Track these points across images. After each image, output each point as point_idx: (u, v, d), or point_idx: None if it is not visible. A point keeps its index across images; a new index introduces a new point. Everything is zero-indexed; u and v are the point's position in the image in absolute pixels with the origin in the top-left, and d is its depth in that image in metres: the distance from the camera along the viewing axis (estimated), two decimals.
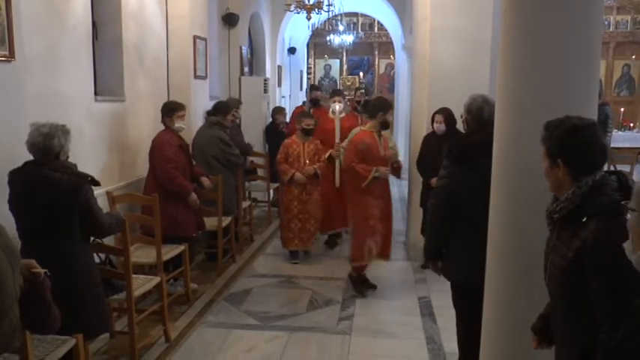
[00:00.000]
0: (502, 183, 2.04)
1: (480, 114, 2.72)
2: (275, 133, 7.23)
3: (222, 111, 5.10)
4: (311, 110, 6.44)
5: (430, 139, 4.59)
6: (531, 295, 1.89)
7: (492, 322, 2.11)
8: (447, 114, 4.47)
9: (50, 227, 2.64)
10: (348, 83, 13.28)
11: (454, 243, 2.70)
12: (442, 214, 2.70)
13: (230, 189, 4.90)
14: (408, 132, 7.14)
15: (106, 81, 4.49)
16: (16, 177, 2.67)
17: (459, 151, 2.69)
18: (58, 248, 2.62)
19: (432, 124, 4.63)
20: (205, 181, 4.54)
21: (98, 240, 2.97)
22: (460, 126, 3.90)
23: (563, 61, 1.82)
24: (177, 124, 4.29)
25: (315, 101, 7.11)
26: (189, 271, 4.21)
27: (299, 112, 5.66)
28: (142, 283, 3.35)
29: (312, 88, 7.89)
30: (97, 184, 2.78)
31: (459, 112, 4.54)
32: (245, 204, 5.81)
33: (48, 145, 2.64)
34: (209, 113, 5.14)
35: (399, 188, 8.25)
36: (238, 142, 5.90)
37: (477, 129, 2.71)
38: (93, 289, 2.76)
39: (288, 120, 7.63)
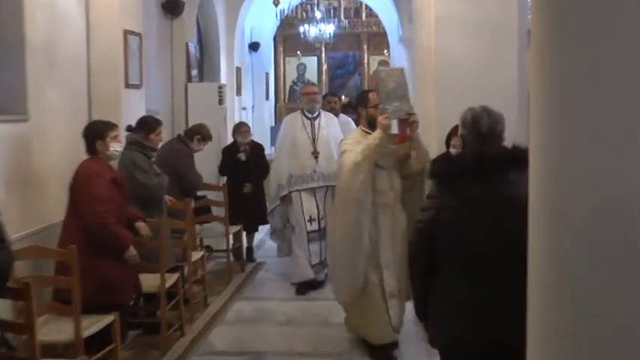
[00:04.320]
0: (543, 205, 2.00)
1: (477, 125, 2.79)
2: (234, 155, 7.22)
3: (146, 127, 5.07)
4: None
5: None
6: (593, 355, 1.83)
7: None
8: None
9: None
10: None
11: (439, 294, 2.76)
12: (421, 254, 2.80)
13: (158, 234, 4.78)
14: None
15: (2, 94, 4.42)
16: None
17: (438, 170, 2.78)
18: None
19: (448, 146, 4.63)
20: (142, 227, 4.48)
21: None
22: None
23: (618, 47, 1.80)
24: (113, 148, 4.30)
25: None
26: (120, 350, 4.11)
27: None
28: None
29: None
30: None
31: None
32: (196, 255, 5.71)
33: None
34: (128, 129, 5.09)
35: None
36: (188, 176, 5.95)
37: (471, 143, 2.78)
38: None
39: (252, 139, 7.62)
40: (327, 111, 6.53)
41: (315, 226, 6.15)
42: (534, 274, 2.05)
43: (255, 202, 6.98)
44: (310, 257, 6.13)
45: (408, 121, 4.21)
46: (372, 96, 4.58)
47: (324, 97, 6.95)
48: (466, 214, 2.59)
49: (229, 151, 7.35)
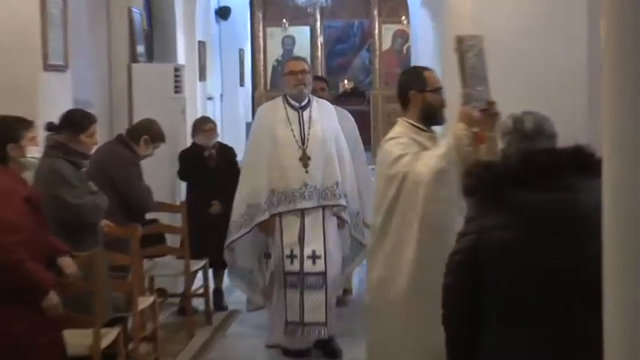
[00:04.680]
0: (619, 219, 2.02)
1: (519, 128, 2.99)
2: (196, 163, 7.23)
3: (74, 126, 5.05)
4: None
5: None
6: None
7: None
8: None
9: None
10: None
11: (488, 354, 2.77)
12: (459, 298, 2.84)
13: (91, 274, 4.75)
14: None
15: None
16: None
17: (475, 183, 2.83)
18: None
19: None
20: (68, 264, 4.44)
21: None
22: None
23: None
24: (30, 154, 4.30)
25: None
26: None
27: None
28: None
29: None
30: None
31: None
32: (144, 301, 5.67)
33: None
34: (49, 128, 5.06)
35: None
36: (133, 191, 5.95)
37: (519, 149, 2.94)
38: None
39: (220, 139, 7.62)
40: None
41: (296, 265, 5.84)
42: (611, 302, 2.05)
43: (226, 227, 6.96)
44: (286, 311, 5.83)
45: (488, 113, 4.00)
46: (429, 75, 4.37)
47: None
48: (519, 232, 2.64)
49: (189, 157, 7.34)
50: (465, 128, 3.97)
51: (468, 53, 3.96)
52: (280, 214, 5.87)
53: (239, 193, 6.06)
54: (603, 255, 2.01)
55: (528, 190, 2.66)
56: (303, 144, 5.90)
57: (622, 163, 1.96)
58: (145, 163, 6.25)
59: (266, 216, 5.85)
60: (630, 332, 1.98)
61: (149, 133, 6.18)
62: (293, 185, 5.83)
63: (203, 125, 7.43)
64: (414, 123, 4.29)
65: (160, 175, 7.11)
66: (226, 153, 7.47)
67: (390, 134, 4.36)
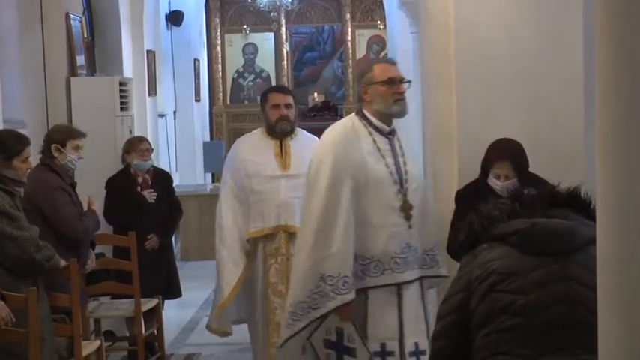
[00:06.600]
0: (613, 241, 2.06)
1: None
2: (130, 196, 7.15)
3: (5, 150, 5.04)
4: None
5: (472, 198, 4.53)
6: None
7: None
8: (514, 156, 4.56)
9: None
10: None
11: None
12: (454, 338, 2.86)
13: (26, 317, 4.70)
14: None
15: None
16: None
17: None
18: None
19: (485, 175, 4.66)
20: None
21: None
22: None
23: None
24: None
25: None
26: None
27: None
28: None
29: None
30: None
31: (525, 138, 4.59)
32: (89, 346, 5.65)
33: None
34: None
35: None
36: (60, 220, 5.84)
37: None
38: None
39: (155, 164, 7.65)
40: (273, 121, 5.68)
41: None
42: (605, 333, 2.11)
43: (162, 263, 7.10)
44: None
45: None
46: None
47: (263, 98, 5.97)
48: (510, 259, 2.71)
49: (119, 185, 7.19)
50: None
51: None
52: (367, 291, 4.63)
53: (305, 261, 4.66)
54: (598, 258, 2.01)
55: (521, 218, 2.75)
56: (402, 185, 4.67)
57: (617, 171, 2.03)
58: (85, 190, 6.20)
59: (352, 295, 4.50)
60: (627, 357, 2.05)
61: (54, 140, 6.01)
62: (393, 247, 4.60)
63: (139, 144, 7.32)
64: None
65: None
66: (162, 179, 7.47)
67: None
